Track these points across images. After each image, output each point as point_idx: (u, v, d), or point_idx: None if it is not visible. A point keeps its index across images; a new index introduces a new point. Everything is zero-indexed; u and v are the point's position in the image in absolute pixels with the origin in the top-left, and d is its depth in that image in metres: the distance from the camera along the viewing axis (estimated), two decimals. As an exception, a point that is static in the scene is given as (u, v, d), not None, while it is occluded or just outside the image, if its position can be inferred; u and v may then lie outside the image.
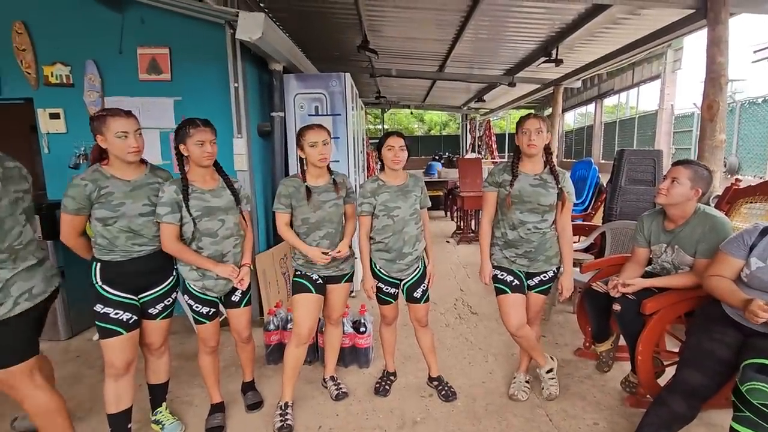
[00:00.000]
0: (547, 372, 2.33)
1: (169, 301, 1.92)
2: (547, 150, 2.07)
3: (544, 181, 2.04)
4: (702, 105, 3.52)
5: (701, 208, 2.05)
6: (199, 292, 1.93)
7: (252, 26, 2.72)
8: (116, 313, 1.74)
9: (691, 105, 10.20)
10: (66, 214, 1.70)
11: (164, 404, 2.10)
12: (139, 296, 1.83)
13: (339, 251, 2.05)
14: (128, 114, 1.73)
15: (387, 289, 2.20)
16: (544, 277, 2.14)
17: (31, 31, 3.13)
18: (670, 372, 2.18)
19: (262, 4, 4.54)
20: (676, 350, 2.24)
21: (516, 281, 2.12)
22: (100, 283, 1.74)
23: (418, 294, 2.21)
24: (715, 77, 3.40)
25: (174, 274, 1.95)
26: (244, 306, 2.07)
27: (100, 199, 1.69)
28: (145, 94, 3.22)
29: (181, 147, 1.85)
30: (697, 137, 3.92)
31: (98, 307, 1.73)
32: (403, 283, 2.20)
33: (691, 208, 2.05)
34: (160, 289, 1.88)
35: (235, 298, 2.04)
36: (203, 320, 1.97)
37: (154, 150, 3.31)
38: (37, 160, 3.40)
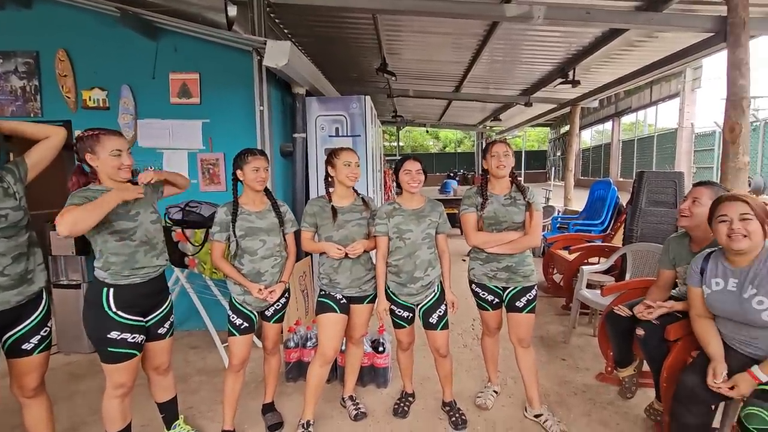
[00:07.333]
0: (536, 416, 2.25)
1: (173, 318, 2.00)
2: (512, 173, 2.20)
3: (513, 199, 2.16)
4: (724, 127, 3.50)
5: None
6: (239, 304, 2.07)
7: (279, 54, 2.85)
8: (133, 337, 1.76)
9: (712, 123, 10.07)
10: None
11: (181, 417, 2.15)
12: (147, 318, 1.86)
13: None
14: (120, 133, 1.79)
15: (400, 312, 2.20)
16: (530, 296, 2.17)
17: (73, 59, 3.34)
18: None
19: (287, 31, 4.73)
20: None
21: (495, 299, 2.26)
22: (114, 310, 1.72)
23: (434, 319, 2.17)
24: (736, 100, 3.38)
25: (170, 292, 2.03)
26: (273, 322, 2.19)
27: (118, 210, 1.68)
28: (175, 116, 3.39)
29: (238, 172, 2.03)
30: (720, 156, 3.88)
31: (113, 334, 1.71)
32: (419, 307, 2.21)
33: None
34: (165, 308, 1.94)
35: (268, 313, 2.16)
36: (235, 332, 2.06)
37: (182, 169, 3.44)
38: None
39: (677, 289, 2.24)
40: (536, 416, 2.25)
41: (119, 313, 1.73)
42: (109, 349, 1.73)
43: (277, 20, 4.61)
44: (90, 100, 3.38)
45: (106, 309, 1.72)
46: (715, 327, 1.77)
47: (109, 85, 3.37)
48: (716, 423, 1.90)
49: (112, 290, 1.72)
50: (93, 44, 3.32)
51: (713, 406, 1.75)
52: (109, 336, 1.72)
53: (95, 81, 3.37)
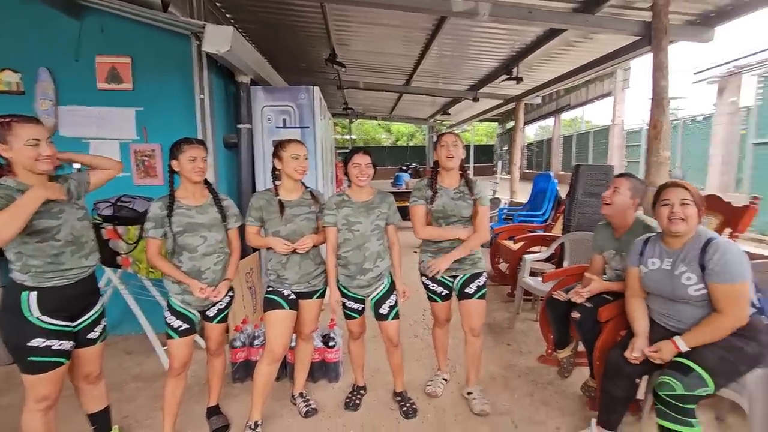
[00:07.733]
0: (468, 394, 2.38)
1: (105, 321, 1.86)
2: (461, 166, 2.25)
3: (462, 193, 2.21)
4: (649, 124, 3.80)
5: (640, 217, 2.24)
6: (178, 305, 1.95)
7: (220, 39, 2.69)
8: (60, 344, 1.62)
9: (641, 121, 10.94)
10: None
11: (115, 427, 2.02)
12: (76, 322, 1.71)
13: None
14: (37, 120, 1.59)
15: (350, 304, 2.20)
16: (479, 282, 2.25)
17: (-23, 36, 2.95)
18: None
19: (229, 15, 4.50)
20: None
21: (445, 291, 2.31)
22: (37, 315, 1.57)
23: (384, 310, 2.19)
24: (658, 99, 3.67)
25: (100, 292, 1.88)
26: (216, 322, 2.09)
27: (38, 207, 1.50)
28: (103, 103, 3.11)
29: (173, 162, 1.90)
30: (646, 152, 4.21)
31: (36, 342, 1.56)
32: (370, 298, 2.21)
33: (631, 217, 2.24)
34: (95, 311, 1.80)
35: (210, 313, 2.06)
36: (174, 335, 1.94)
37: (113, 161, 3.18)
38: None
39: (606, 275, 2.41)
40: (468, 393, 2.36)
41: (43, 318, 1.58)
42: (30, 358, 1.57)
43: (217, 3, 4.36)
44: (1, 83, 3.02)
45: (27, 315, 1.57)
46: (644, 307, 1.94)
47: (23, 67, 3.02)
48: (641, 395, 2.09)
49: (34, 293, 1.58)
50: (2, 21, 2.96)
51: (637, 380, 1.91)
52: (30, 344, 1.56)
53: (6, 62, 3.00)
